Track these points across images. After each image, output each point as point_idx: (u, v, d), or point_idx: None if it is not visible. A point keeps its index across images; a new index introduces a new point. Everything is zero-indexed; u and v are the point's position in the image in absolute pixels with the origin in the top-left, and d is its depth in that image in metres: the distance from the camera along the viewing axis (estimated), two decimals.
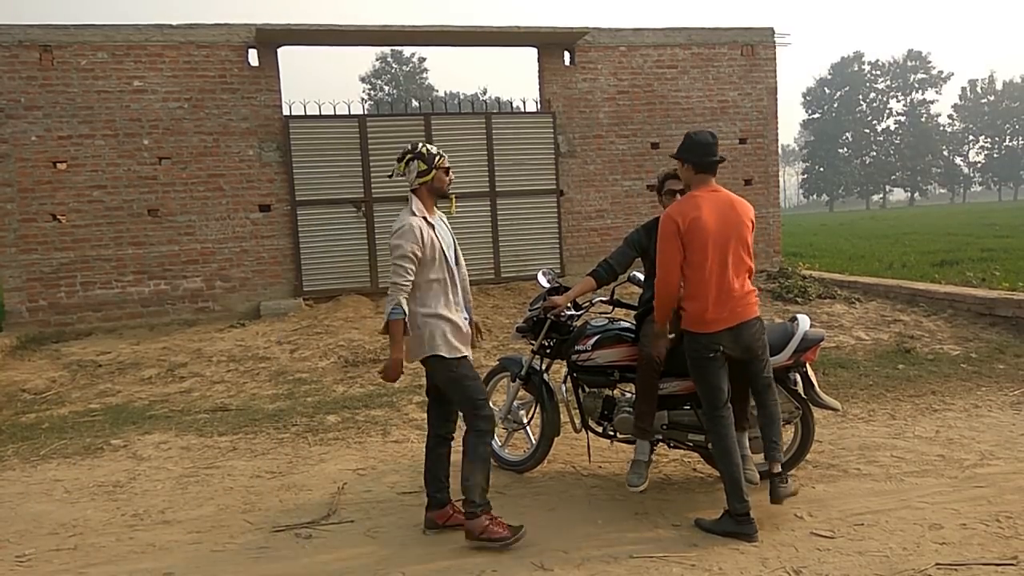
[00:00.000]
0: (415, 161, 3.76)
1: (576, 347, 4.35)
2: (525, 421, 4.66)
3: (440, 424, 3.94)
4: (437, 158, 3.78)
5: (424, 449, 3.96)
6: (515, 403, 4.65)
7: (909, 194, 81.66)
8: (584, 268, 10.72)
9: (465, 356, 3.78)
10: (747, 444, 4.04)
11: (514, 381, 4.58)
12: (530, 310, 4.59)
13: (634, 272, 4.59)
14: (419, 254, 3.63)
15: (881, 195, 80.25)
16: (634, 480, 4.02)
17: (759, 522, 3.68)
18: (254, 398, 6.51)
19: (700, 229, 3.62)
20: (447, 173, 3.84)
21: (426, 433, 4.01)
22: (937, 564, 3.24)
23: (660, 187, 4.37)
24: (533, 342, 4.52)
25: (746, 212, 3.78)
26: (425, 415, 5.77)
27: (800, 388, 4.16)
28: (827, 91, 76.43)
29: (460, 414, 3.86)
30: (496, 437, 4.77)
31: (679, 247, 3.64)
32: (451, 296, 3.78)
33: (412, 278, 3.62)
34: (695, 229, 3.62)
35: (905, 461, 4.52)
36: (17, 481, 4.80)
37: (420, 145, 3.81)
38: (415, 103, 47.96)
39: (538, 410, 4.53)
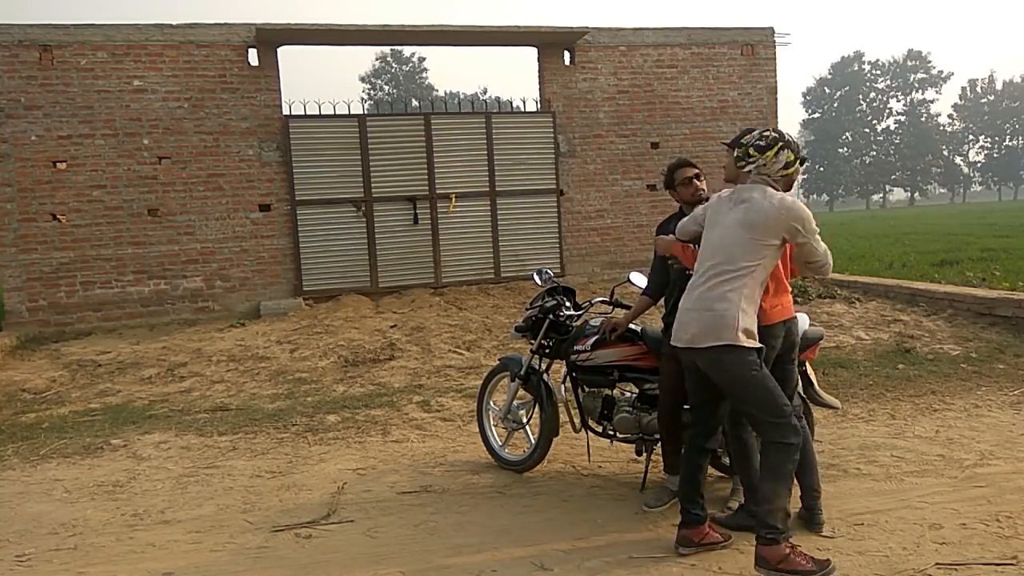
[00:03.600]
0: (785, 151, 3.41)
1: (575, 347, 4.33)
2: (525, 421, 4.66)
3: (707, 435, 3.53)
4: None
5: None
6: (515, 403, 4.65)
7: (909, 194, 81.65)
8: (584, 268, 10.78)
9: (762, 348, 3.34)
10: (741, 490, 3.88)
11: (513, 381, 4.58)
12: (528, 309, 4.59)
13: (634, 272, 4.56)
14: None
15: (881, 195, 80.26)
16: (651, 501, 3.96)
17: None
18: (254, 398, 6.51)
19: None
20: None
21: (689, 437, 3.62)
22: (937, 564, 3.24)
23: (671, 179, 4.11)
24: (532, 342, 4.52)
25: None
26: (425, 415, 5.80)
27: (799, 387, 4.17)
28: (827, 91, 76.41)
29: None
30: (496, 436, 4.77)
31: None
32: None
33: None
34: None
35: (905, 461, 4.51)
36: (17, 481, 4.80)
37: (786, 134, 3.49)
38: (415, 103, 47.96)
39: (537, 410, 4.53)
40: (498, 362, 4.86)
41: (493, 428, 4.80)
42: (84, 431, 5.77)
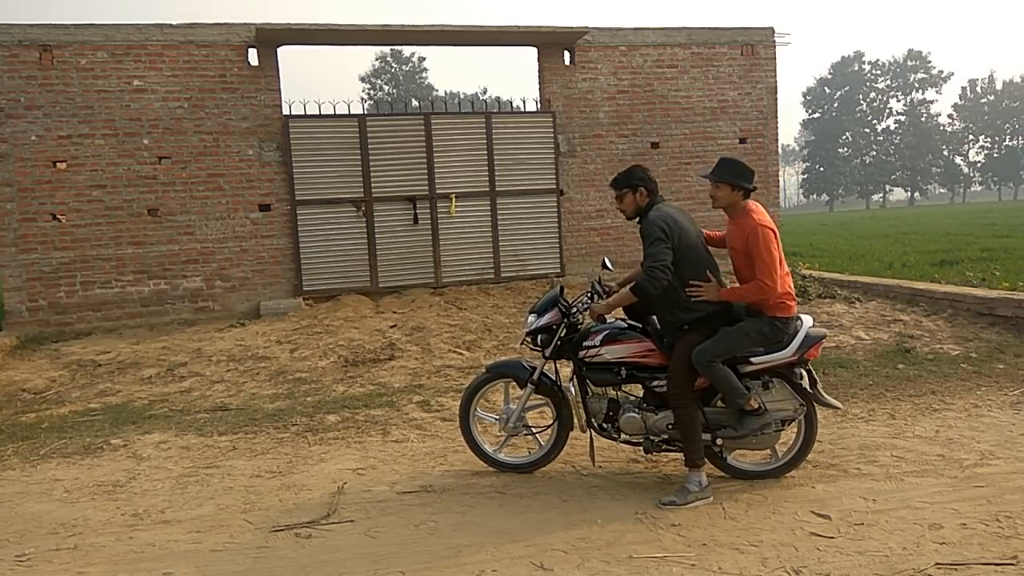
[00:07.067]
0: None
1: (584, 343, 4.35)
2: (531, 424, 4.69)
3: None
4: None
5: None
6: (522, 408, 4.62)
7: (909, 194, 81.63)
8: (584, 268, 10.76)
9: None
10: None
11: (523, 387, 4.53)
12: (538, 315, 4.50)
13: (607, 257, 4.83)
14: None
15: (881, 195, 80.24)
16: (674, 499, 3.97)
17: (758, 519, 3.69)
18: (254, 398, 6.51)
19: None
20: None
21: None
22: (937, 564, 3.24)
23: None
24: (539, 348, 4.48)
25: None
26: (425, 415, 5.80)
27: (806, 382, 4.20)
28: (827, 91, 76.37)
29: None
30: (486, 442, 4.72)
31: None
32: None
33: None
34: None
35: (905, 461, 4.51)
36: (17, 481, 4.80)
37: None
38: (415, 103, 47.98)
39: (552, 410, 4.56)
40: (488, 371, 4.73)
41: (482, 435, 4.77)
42: (84, 431, 5.77)
